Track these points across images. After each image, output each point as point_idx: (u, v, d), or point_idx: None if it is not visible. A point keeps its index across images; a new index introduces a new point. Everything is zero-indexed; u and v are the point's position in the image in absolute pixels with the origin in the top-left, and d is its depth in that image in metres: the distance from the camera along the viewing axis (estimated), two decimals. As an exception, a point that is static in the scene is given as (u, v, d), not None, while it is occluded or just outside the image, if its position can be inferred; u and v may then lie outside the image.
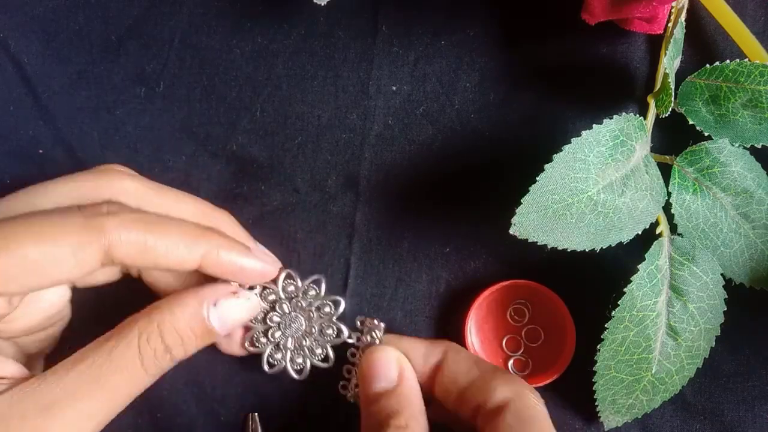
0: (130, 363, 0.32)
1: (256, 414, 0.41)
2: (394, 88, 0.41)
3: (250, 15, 0.42)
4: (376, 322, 0.39)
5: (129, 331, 0.33)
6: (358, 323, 0.39)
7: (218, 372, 0.41)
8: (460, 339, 0.40)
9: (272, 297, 0.39)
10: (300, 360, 0.39)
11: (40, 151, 0.42)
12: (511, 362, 0.41)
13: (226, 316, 0.35)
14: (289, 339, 0.39)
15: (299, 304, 0.39)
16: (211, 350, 0.41)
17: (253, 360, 0.41)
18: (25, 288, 0.31)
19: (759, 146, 0.36)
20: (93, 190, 0.34)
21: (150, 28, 0.42)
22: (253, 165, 0.42)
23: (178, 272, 0.37)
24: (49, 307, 0.36)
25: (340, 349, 0.40)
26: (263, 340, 0.39)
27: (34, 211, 0.32)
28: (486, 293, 0.40)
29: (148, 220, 0.33)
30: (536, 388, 0.40)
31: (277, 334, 0.39)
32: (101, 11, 0.42)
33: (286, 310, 0.39)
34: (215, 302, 0.35)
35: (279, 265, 0.38)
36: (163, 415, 0.41)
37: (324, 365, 0.39)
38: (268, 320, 0.39)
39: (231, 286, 0.36)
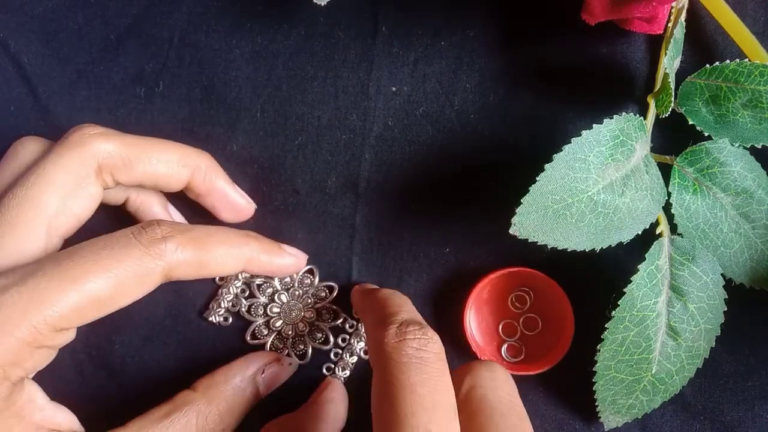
0: None
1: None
2: (393, 88, 0.41)
3: (250, 15, 0.42)
4: None
5: (188, 411, 0.36)
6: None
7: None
8: (459, 328, 0.40)
9: (270, 290, 0.41)
10: (302, 346, 0.41)
11: (40, 151, 0.42)
12: (504, 347, 0.41)
13: (271, 381, 0.40)
14: (290, 327, 0.41)
15: (296, 293, 0.41)
16: (212, 351, 0.41)
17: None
18: (94, 317, 0.33)
19: (759, 146, 0.36)
20: (82, 168, 0.35)
21: (150, 28, 0.42)
22: (253, 165, 0.42)
23: None
24: None
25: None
26: (265, 331, 0.41)
27: (95, 240, 0.33)
28: (491, 277, 0.40)
29: (199, 238, 0.35)
30: (532, 378, 0.40)
31: (278, 323, 0.41)
32: (101, 11, 0.42)
33: (285, 300, 0.41)
34: (263, 370, 0.39)
35: (305, 256, 0.40)
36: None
37: (325, 347, 0.41)
38: (268, 311, 0.41)
39: (274, 354, 0.40)
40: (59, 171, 0.35)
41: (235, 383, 0.38)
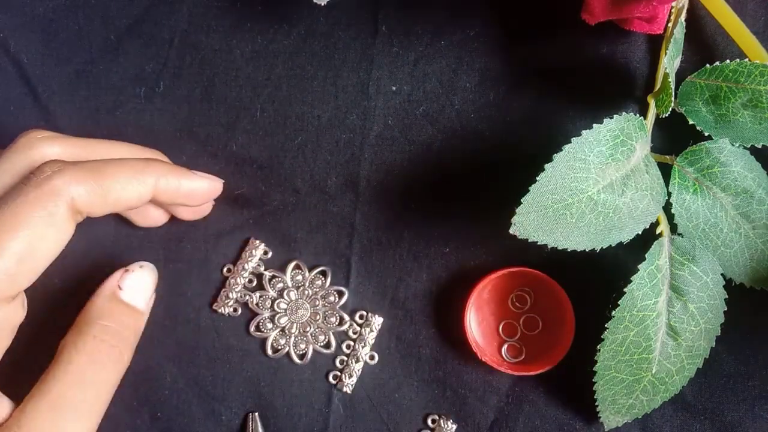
0: (87, 368, 0.34)
1: (257, 414, 0.41)
2: (394, 88, 0.41)
3: (250, 15, 0.42)
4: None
5: (69, 349, 0.34)
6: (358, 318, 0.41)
7: (218, 372, 0.41)
8: (460, 328, 0.40)
9: (280, 285, 0.41)
10: (303, 346, 0.41)
11: (40, 151, 0.42)
12: (504, 347, 0.41)
13: (133, 287, 0.37)
14: (294, 325, 0.41)
15: (305, 292, 0.41)
16: (212, 350, 0.41)
17: (253, 360, 0.41)
18: (30, 278, 0.32)
19: (759, 146, 0.36)
20: (19, 169, 0.34)
21: (150, 28, 0.42)
22: (253, 165, 0.42)
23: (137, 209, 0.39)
24: None
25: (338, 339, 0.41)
26: (269, 325, 0.41)
27: None
28: (492, 277, 0.40)
29: (94, 167, 0.33)
30: (532, 378, 0.41)
31: (283, 320, 0.41)
32: (101, 11, 0.42)
33: (293, 298, 0.41)
34: (120, 284, 0.37)
35: (221, 181, 0.39)
36: (163, 415, 0.41)
37: (326, 351, 0.41)
38: (275, 306, 0.41)
39: (121, 269, 0.38)
40: (31, 223, 0.32)
41: (97, 296, 0.37)
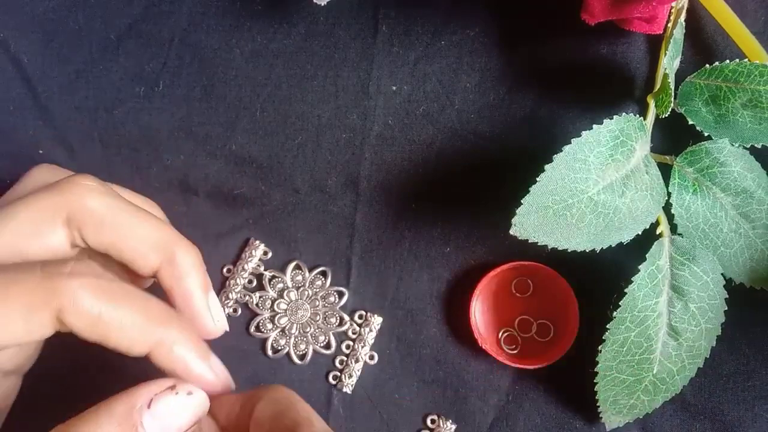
0: None
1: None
2: (394, 88, 0.41)
3: (250, 15, 0.42)
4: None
5: None
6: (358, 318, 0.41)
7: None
8: (461, 327, 0.41)
9: (280, 285, 0.41)
10: (303, 346, 0.41)
11: (40, 151, 0.42)
12: (503, 337, 0.41)
13: (165, 420, 0.28)
14: (294, 325, 0.41)
15: (305, 293, 0.41)
16: (212, 351, 0.41)
17: (253, 360, 0.41)
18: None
19: (759, 146, 0.36)
20: (49, 212, 0.31)
21: (149, 28, 0.42)
22: (252, 165, 0.42)
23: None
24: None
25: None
26: (269, 325, 0.41)
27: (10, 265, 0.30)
28: (497, 271, 0.40)
29: (109, 289, 0.29)
30: (533, 377, 0.41)
31: (283, 320, 0.41)
32: (101, 11, 0.42)
33: (293, 298, 0.41)
34: (150, 403, 0.28)
35: (232, 386, 0.33)
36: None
37: (326, 352, 0.41)
38: (275, 307, 0.41)
39: (169, 381, 0.29)
40: (22, 207, 0.31)
41: (107, 414, 0.27)
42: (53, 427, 0.27)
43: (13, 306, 0.27)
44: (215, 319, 0.34)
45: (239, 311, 0.41)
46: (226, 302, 0.41)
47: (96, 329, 0.28)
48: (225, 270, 0.42)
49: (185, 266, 0.33)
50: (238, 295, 0.41)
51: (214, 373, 0.32)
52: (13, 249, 0.31)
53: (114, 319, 0.29)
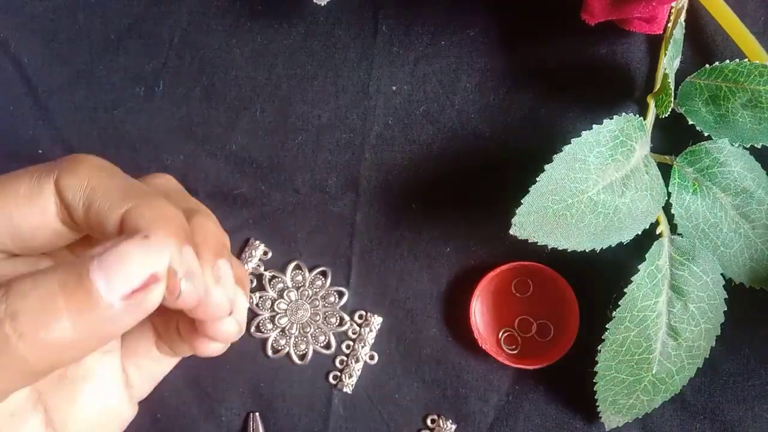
0: None
1: (257, 414, 0.41)
2: (394, 88, 0.41)
3: (250, 15, 0.42)
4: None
5: None
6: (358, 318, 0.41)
7: (218, 372, 0.41)
8: (461, 327, 0.41)
9: (280, 285, 0.41)
10: (303, 346, 0.41)
11: (40, 151, 0.42)
12: (503, 337, 0.41)
13: (112, 269, 0.24)
14: (294, 325, 0.41)
15: (305, 293, 0.41)
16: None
17: (253, 361, 0.41)
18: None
19: (759, 146, 0.36)
20: (35, 176, 0.29)
21: (150, 28, 0.42)
22: (252, 165, 0.42)
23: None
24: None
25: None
26: (269, 326, 0.41)
27: None
28: (497, 271, 0.40)
29: (111, 171, 0.29)
30: (533, 377, 0.41)
31: (283, 320, 0.41)
32: (101, 11, 0.42)
33: (293, 298, 0.41)
34: (102, 251, 0.24)
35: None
36: (163, 415, 0.41)
37: (326, 352, 0.41)
38: (275, 307, 0.41)
39: (125, 234, 0.25)
40: (17, 174, 0.29)
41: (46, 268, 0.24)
42: None
43: (19, 181, 0.28)
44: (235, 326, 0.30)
45: None
46: None
47: (85, 191, 0.27)
48: None
49: (160, 211, 0.28)
50: None
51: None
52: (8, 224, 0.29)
53: (101, 183, 0.28)
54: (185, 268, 0.26)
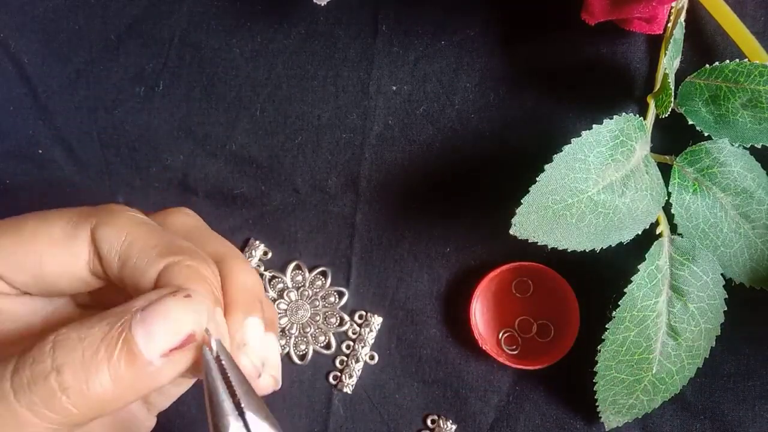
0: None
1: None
2: (394, 88, 0.41)
3: (250, 15, 0.42)
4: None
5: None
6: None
7: (218, 372, 0.41)
8: (461, 327, 0.41)
9: (280, 286, 0.41)
10: (303, 346, 0.41)
11: (40, 150, 0.42)
12: (503, 338, 0.41)
13: (154, 326, 0.25)
14: (294, 326, 0.41)
15: (305, 293, 0.41)
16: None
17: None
18: (25, 269, 0.28)
19: (759, 146, 0.36)
20: (72, 219, 0.29)
21: (149, 28, 0.42)
22: (252, 165, 0.42)
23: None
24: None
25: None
26: None
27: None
28: (497, 271, 0.40)
29: (148, 225, 0.29)
30: (533, 377, 0.41)
31: (283, 320, 0.41)
32: (101, 11, 0.42)
33: (293, 299, 0.41)
34: (143, 307, 0.25)
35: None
36: (163, 416, 0.41)
37: (326, 352, 0.41)
38: (275, 307, 0.41)
39: (173, 287, 0.26)
40: (52, 215, 0.29)
41: (92, 321, 0.25)
42: None
43: (55, 223, 0.28)
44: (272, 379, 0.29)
45: None
46: None
47: (123, 245, 0.28)
48: None
49: (198, 271, 0.28)
50: None
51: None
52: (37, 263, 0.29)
53: (139, 238, 0.28)
54: (217, 330, 0.26)
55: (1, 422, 0.23)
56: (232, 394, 0.26)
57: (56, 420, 0.24)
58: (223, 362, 0.26)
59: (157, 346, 0.25)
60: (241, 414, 0.26)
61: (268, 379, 0.29)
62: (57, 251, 0.28)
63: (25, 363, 0.24)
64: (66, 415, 0.24)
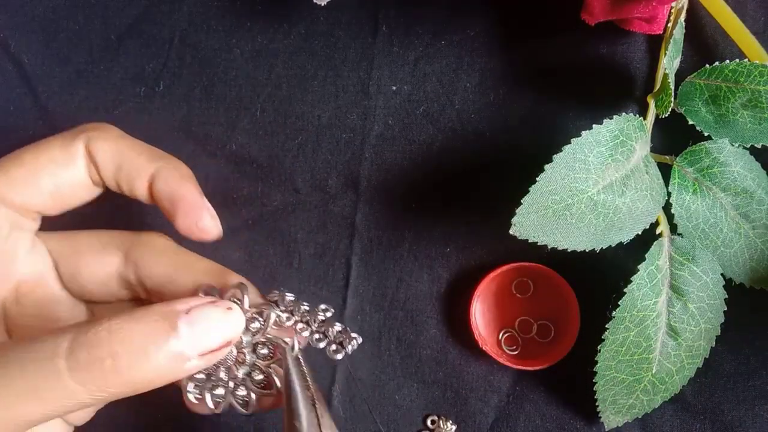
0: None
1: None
2: (394, 88, 0.41)
3: (250, 15, 0.42)
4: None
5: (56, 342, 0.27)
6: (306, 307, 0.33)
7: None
8: (461, 327, 0.41)
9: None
10: (243, 392, 0.32)
11: (40, 151, 0.42)
12: (503, 338, 0.41)
13: (199, 329, 0.28)
14: (221, 371, 0.31)
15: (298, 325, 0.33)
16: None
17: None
18: (27, 193, 0.33)
19: (759, 146, 0.36)
20: (69, 138, 0.34)
21: (150, 28, 0.42)
22: (252, 165, 0.42)
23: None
24: None
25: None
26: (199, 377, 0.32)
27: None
28: (498, 272, 0.40)
29: (131, 138, 0.34)
30: (533, 377, 0.41)
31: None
32: (101, 11, 0.42)
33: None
34: (188, 310, 0.28)
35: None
36: (163, 416, 0.41)
37: (267, 392, 0.32)
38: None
39: (209, 297, 0.30)
40: (45, 141, 0.34)
41: (141, 315, 0.28)
42: None
43: (51, 146, 0.33)
44: (211, 215, 0.34)
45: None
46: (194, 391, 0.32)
47: (115, 154, 0.33)
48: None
49: (183, 171, 0.34)
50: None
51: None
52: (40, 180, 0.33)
53: (127, 147, 0.34)
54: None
55: (53, 393, 0.27)
56: (305, 388, 0.30)
57: (99, 394, 0.27)
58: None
59: (200, 345, 0.28)
60: (314, 405, 0.29)
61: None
62: (61, 167, 0.33)
63: (82, 345, 0.27)
64: (110, 392, 0.27)
